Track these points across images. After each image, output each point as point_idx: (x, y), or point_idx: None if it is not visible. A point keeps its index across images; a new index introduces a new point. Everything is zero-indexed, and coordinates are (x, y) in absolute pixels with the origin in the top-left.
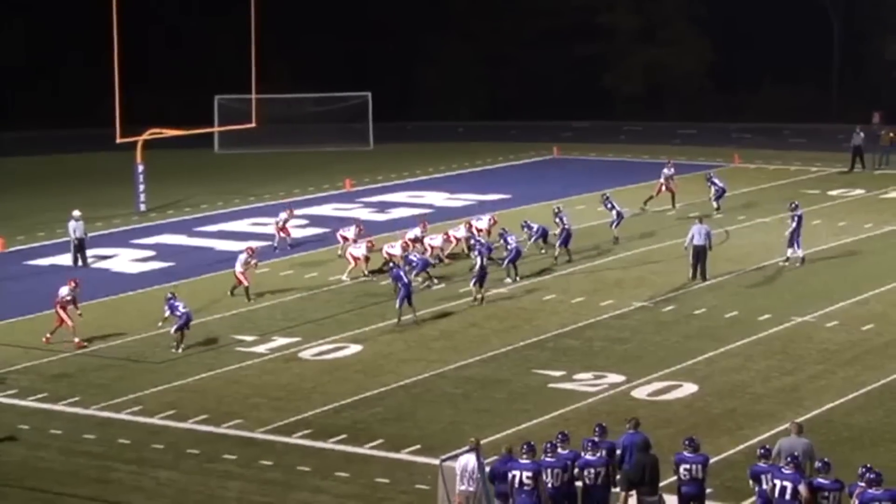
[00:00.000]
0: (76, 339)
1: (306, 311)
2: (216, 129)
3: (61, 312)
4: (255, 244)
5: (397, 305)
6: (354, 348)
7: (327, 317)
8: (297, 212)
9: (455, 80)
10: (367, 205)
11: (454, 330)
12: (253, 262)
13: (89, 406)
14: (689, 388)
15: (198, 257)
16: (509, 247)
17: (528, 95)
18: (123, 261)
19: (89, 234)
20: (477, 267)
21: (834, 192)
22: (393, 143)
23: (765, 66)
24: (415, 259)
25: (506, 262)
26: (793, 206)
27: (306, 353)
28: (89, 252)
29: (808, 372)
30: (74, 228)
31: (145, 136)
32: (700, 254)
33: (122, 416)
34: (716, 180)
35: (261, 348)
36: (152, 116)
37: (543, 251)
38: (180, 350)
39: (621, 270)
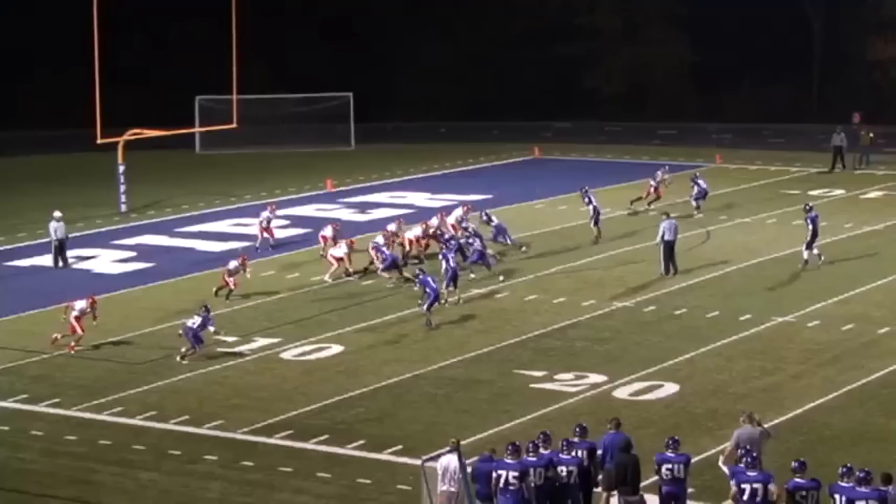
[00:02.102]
0: (72, 343)
1: (288, 312)
2: (197, 129)
3: (75, 323)
4: (237, 245)
5: (424, 308)
6: (336, 349)
7: (309, 317)
8: (278, 212)
9: (436, 81)
10: (349, 205)
11: (435, 330)
12: (243, 271)
13: (70, 407)
14: (671, 388)
15: (179, 258)
16: (472, 247)
17: (510, 96)
18: (104, 261)
19: (70, 235)
20: (443, 269)
21: (815, 193)
22: (374, 143)
23: (745, 67)
24: (386, 253)
25: (469, 261)
26: (807, 207)
27: (288, 354)
28: (70, 253)
29: (788, 372)
30: (55, 229)
31: (126, 137)
32: (671, 249)
33: (104, 416)
34: (700, 181)
35: (242, 349)
36: (133, 117)
37: (497, 256)
38: (185, 361)
39: (603, 270)
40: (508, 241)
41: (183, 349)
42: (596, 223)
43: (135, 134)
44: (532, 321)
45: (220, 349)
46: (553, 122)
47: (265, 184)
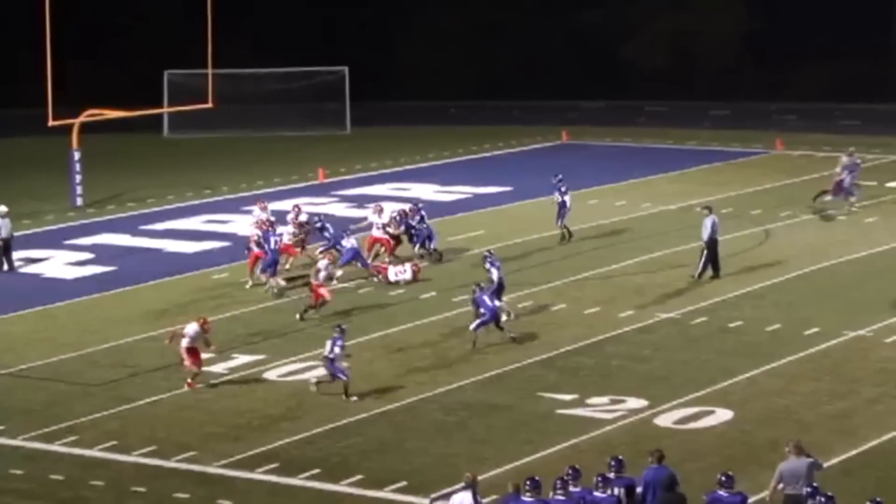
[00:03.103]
0: (189, 381)
1: (273, 324)
2: (165, 109)
3: (186, 356)
4: (212, 245)
5: (472, 327)
6: (183, 342)
7: (297, 330)
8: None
9: (445, 53)
10: (344, 199)
11: (447, 346)
12: (334, 272)
13: (16, 436)
14: (723, 415)
15: (144, 260)
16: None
17: (531, 70)
18: (57, 264)
19: (16, 234)
20: (493, 280)
21: (894, 184)
22: (373, 126)
23: (811, 35)
24: (348, 245)
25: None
26: None
27: (272, 374)
28: (16, 254)
29: (863, 396)
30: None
31: (82, 118)
32: (714, 249)
33: (55, 447)
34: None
35: (219, 367)
36: (90, 95)
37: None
38: (353, 398)
39: (643, 276)
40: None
41: (326, 378)
42: (561, 220)
43: (92, 115)
44: (560, 335)
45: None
46: (583, 102)
47: (245, 173)
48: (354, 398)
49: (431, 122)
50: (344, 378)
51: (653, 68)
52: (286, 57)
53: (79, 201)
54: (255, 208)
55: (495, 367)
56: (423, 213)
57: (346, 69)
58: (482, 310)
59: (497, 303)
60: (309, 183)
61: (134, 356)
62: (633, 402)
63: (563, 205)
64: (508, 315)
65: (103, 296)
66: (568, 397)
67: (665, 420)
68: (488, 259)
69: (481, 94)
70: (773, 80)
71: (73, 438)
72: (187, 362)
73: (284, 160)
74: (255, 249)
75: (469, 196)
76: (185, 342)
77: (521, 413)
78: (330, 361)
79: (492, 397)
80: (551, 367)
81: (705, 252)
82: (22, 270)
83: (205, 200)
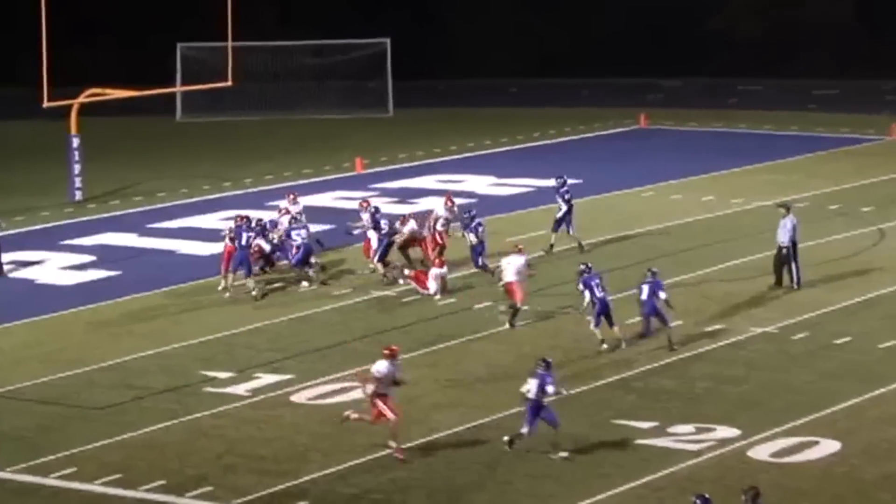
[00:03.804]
0: (394, 444)
1: (301, 338)
2: (178, 88)
3: (380, 404)
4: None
5: (592, 326)
6: (367, 389)
7: (330, 346)
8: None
9: (502, 23)
10: (385, 192)
11: (503, 363)
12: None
13: (3, 467)
14: (829, 447)
15: (153, 264)
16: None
17: (603, 43)
18: (52, 268)
19: (5, 232)
20: (585, 302)
21: None
22: (420, 107)
23: None
24: (299, 239)
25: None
26: None
27: (301, 396)
28: (6, 256)
29: None
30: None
31: (83, 99)
32: (790, 253)
33: (50, 480)
34: None
35: (239, 389)
36: (92, 72)
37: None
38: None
39: (735, 283)
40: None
41: (523, 430)
42: (557, 228)
43: (93, 95)
44: (637, 352)
45: (208, 389)
46: (663, 80)
47: (271, 163)
48: (564, 454)
49: (487, 104)
50: (526, 428)
51: (746, 39)
52: (317, 27)
53: (77, 195)
54: (284, 201)
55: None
56: (473, 214)
57: (387, 41)
58: (594, 298)
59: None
60: (344, 174)
61: (141, 376)
62: (723, 431)
63: (568, 212)
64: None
65: (105, 305)
66: (646, 425)
67: (760, 452)
68: (583, 278)
69: (545, 70)
70: (890, 54)
71: (70, 471)
72: (386, 410)
73: (316, 148)
74: (228, 244)
75: (530, 190)
76: (373, 388)
77: (593, 443)
78: (535, 407)
79: (406, 386)
80: (628, 390)
81: (791, 256)
82: (11, 275)
83: (224, 194)
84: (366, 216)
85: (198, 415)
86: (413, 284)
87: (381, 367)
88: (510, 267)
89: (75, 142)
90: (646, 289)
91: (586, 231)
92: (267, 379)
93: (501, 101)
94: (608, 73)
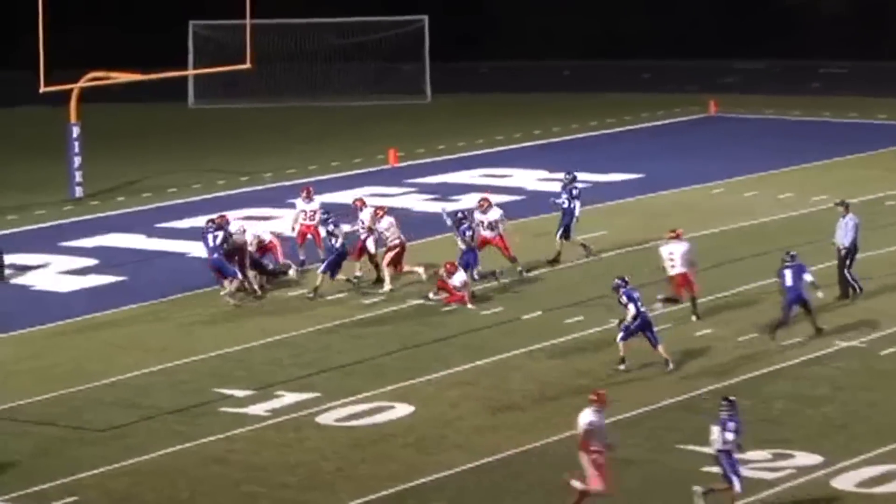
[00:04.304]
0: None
1: (329, 352)
2: (190, 72)
3: (592, 464)
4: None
5: (619, 339)
6: (403, 409)
7: (361, 360)
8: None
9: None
10: (422, 188)
11: (553, 380)
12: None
13: None
14: None
15: (162, 268)
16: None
17: (668, 21)
18: (50, 273)
19: (1, 232)
20: (629, 316)
21: None
22: (461, 92)
23: None
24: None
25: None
26: None
27: (328, 417)
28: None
29: None
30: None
31: (83, 83)
32: (848, 258)
33: None
34: None
35: (258, 409)
36: (93, 54)
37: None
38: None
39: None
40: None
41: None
42: (566, 234)
43: (96, 79)
44: (705, 369)
45: (223, 408)
46: (737, 62)
47: (294, 155)
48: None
49: (537, 89)
50: (736, 484)
51: (831, 16)
52: (346, 4)
53: (78, 191)
54: (299, 199)
55: (620, 411)
56: (460, 217)
57: (424, 19)
58: (634, 308)
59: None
60: (377, 167)
61: (148, 394)
62: (804, 458)
63: (570, 212)
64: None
65: (109, 314)
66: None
67: (845, 482)
68: (624, 290)
69: (602, 51)
70: None
71: (70, 500)
72: (590, 481)
73: (345, 138)
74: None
75: (586, 185)
76: (592, 451)
77: (655, 470)
78: (725, 455)
79: (616, 450)
80: (694, 411)
81: (847, 260)
82: (7, 281)
83: (241, 190)
84: (366, 214)
85: (212, 438)
86: (442, 297)
87: (587, 417)
88: (676, 257)
89: (75, 131)
90: (789, 274)
91: (646, 233)
92: (290, 398)
93: (553, 86)
94: (674, 54)
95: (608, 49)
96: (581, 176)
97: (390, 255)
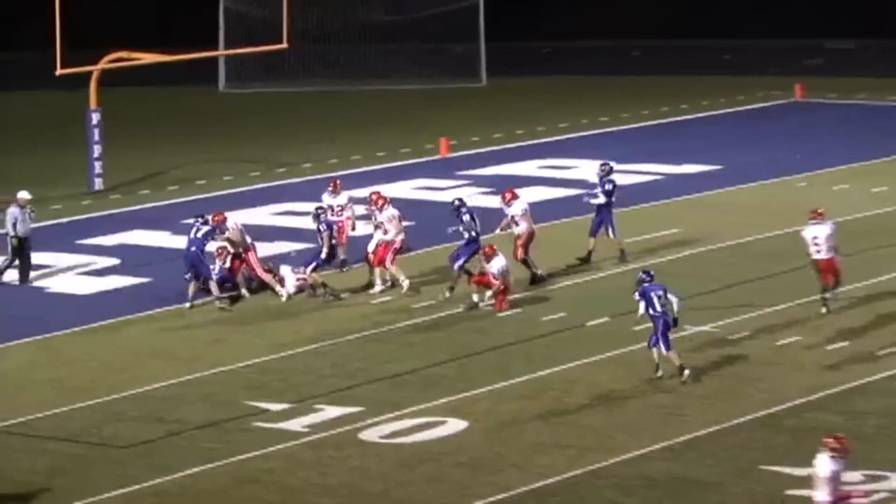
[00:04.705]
0: None
1: (374, 361)
2: (221, 52)
3: None
4: (287, 247)
5: (652, 344)
6: (455, 425)
7: (409, 371)
8: (343, 194)
9: None
10: (476, 181)
11: (620, 394)
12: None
13: None
14: None
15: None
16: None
17: None
18: (66, 274)
19: (35, 224)
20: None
21: None
22: (519, 76)
23: None
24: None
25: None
26: None
27: (373, 433)
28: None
29: None
30: (15, 220)
31: (104, 65)
32: None
33: None
34: None
35: (296, 424)
36: (115, 32)
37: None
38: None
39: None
40: None
41: None
42: (606, 232)
43: (118, 60)
44: (790, 382)
45: (257, 423)
46: (826, 41)
47: (336, 144)
48: None
49: (603, 71)
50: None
51: None
52: None
53: (98, 184)
54: (325, 193)
55: (695, 427)
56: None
57: None
58: (651, 311)
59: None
60: (426, 158)
61: (175, 407)
62: None
63: (607, 208)
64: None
65: (132, 319)
66: (802, 472)
67: None
68: (641, 287)
69: (676, 30)
70: None
71: None
72: None
73: (392, 125)
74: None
75: (659, 178)
76: (826, 497)
77: (734, 494)
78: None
79: (690, 471)
80: (777, 429)
81: None
82: (14, 280)
83: (277, 183)
84: (389, 212)
85: (245, 456)
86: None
87: (825, 466)
88: (821, 240)
89: (95, 117)
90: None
91: (724, 231)
92: (330, 412)
93: (621, 68)
94: (756, 33)
95: (682, 27)
96: (652, 168)
97: (392, 253)
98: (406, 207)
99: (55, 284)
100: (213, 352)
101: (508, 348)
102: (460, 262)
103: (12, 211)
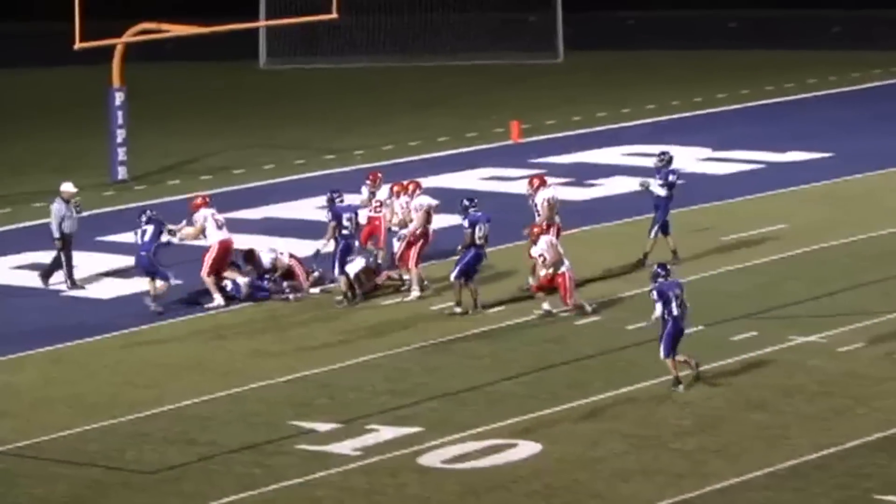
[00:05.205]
0: None
1: (435, 375)
2: (261, 23)
3: None
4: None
5: (662, 355)
6: (527, 448)
7: (474, 387)
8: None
9: None
10: (552, 169)
11: (716, 413)
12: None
13: None
14: None
15: None
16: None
17: None
18: (85, 275)
19: (20, 224)
20: (656, 315)
21: None
22: (602, 49)
23: None
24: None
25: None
26: None
27: (433, 458)
28: (18, 258)
29: None
30: (62, 217)
31: (128, 38)
32: None
33: None
34: None
35: (345, 446)
36: (141, 1)
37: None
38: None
39: None
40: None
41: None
42: (662, 230)
43: (144, 32)
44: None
45: (301, 446)
46: None
47: (391, 127)
48: None
49: (696, 45)
50: None
51: None
52: None
53: (121, 172)
54: (364, 187)
55: (800, 452)
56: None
57: None
58: (666, 314)
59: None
60: (495, 144)
61: (207, 427)
62: None
63: (664, 204)
64: None
65: (158, 327)
66: None
67: None
68: (657, 285)
69: None
70: None
71: None
72: None
73: (456, 107)
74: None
75: (760, 167)
76: None
77: None
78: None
79: (796, 501)
80: (892, 453)
81: None
82: (28, 285)
83: (324, 172)
84: (406, 200)
85: (287, 483)
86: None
87: None
88: None
89: (118, 97)
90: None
91: (834, 227)
92: (385, 433)
93: (718, 41)
94: (871, 2)
95: None
96: (752, 156)
97: (415, 250)
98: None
99: (150, 297)
100: (252, 364)
101: (587, 361)
102: (456, 271)
103: (57, 207)
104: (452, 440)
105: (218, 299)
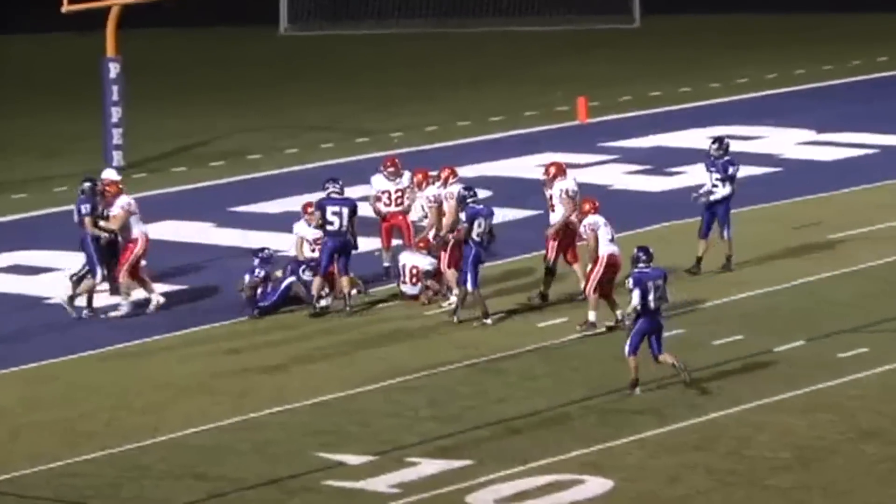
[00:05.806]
0: None
1: (486, 399)
2: None
3: None
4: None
5: (626, 353)
6: (596, 485)
7: (532, 412)
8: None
9: None
10: (625, 155)
11: (820, 444)
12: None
13: None
14: None
15: (240, 272)
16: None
17: None
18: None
19: (3, 218)
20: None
21: None
22: (683, 14)
23: None
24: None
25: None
26: None
27: (485, 496)
28: (12, 256)
29: None
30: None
31: (124, 0)
32: None
33: None
34: None
35: (380, 482)
36: None
37: None
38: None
39: None
40: None
41: None
42: (705, 231)
43: None
44: None
45: (329, 482)
46: None
47: (435, 105)
48: None
49: (795, 7)
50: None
51: None
52: None
53: (117, 158)
54: (380, 175)
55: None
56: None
57: None
58: (635, 300)
59: None
60: (559, 124)
61: (221, 458)
62: None
63: (725, 202)
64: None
65: (162, 341)
66: None
67: None
68: (637, 271)
69: None
70: None
71: None
72: None
73: (512, 81)
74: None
75: (873, 151)
76: None
77: None
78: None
79: None
80: None
81: None
82: (9, 291)
83: (356, 157)
84: (437, 191)
85: None
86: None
87: None
88: None
89: (113, 69)
90: None
91: None
92: (427, 466)
93: (821, 4)
94: None
95: None
96: (864, 138)
97: (447, 251)
98: (527, 190)
99: (62, 294)
100: (271, 384)
101: (666, 383)
102: (468, 278)
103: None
104: (507, 475)
105: (124, 307)
